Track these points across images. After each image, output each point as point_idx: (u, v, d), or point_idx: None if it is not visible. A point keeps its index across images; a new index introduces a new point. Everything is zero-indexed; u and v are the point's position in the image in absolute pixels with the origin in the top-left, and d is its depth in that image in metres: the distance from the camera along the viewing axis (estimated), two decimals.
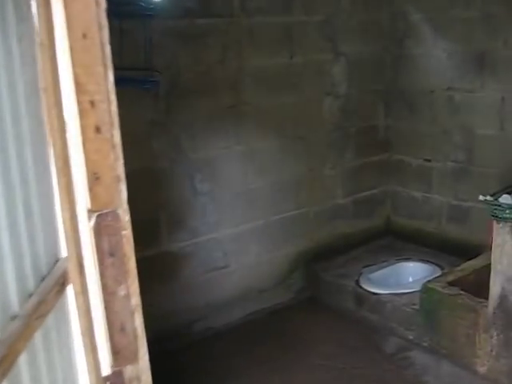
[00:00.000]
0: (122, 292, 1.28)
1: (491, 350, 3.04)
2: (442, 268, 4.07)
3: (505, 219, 2.79)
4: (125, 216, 1.31)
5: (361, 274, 4.07)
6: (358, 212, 4.59)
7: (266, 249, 4.09)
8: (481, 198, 2.86)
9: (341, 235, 4.50)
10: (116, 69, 3.06)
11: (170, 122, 3.45)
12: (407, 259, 4.29)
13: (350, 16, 4.18)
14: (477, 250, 3.89)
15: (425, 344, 3.42)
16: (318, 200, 4.33)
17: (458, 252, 4.16)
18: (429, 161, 4.35)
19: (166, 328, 3.56)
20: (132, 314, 1.30)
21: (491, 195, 2.83)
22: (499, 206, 2.78)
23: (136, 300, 1.32)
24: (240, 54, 3.67)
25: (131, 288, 1.32)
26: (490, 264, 3.47)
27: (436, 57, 4.16)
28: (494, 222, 2.86)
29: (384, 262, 4.26)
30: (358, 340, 3.58)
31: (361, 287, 3.90)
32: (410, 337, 3.52)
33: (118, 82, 3.15)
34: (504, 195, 2.82)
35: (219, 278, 3.87)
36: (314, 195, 4.29)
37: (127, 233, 1.32)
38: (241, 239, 3.94)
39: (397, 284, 3.97)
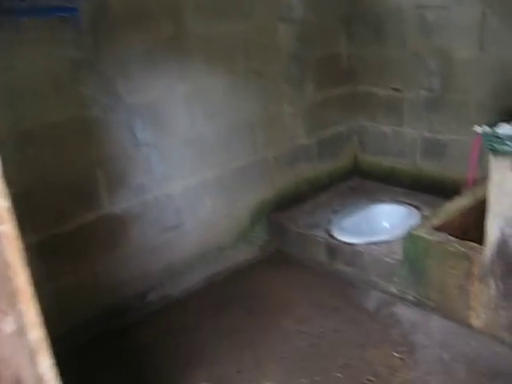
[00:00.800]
0: (8, 327, 0.79)
1: (488, 302, 2.68)
2: (418, 209, 3.71)
3: (504, 152, 2.37)
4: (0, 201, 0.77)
5: (330, 221, 3.66)
6: (323, 152, 4.15)
7: (223, 201, 3.63)
8: (477, 129, 2.42)
9: (305, 180, 4.08)
10: None
11: (99, 61, 2.86)
12: (380, 201, 3.89)
13: None
14: (455, 186, 3.59)
15: (410, 298, 3.05)
16: (278, 142, 3.85)
17: (435, 190, 3.86)
18: (399, 90, 3.89)
19: (115, 301, 3.16)
20: (33, 355, 0.82)
21: (489, 126, 2.39)
22: (498, 137, 2.35)
23: (37, 333, 0.83)
24: None
25: (26, 317, 0.81)
26: (476, 205, 3.10)
27: None
28: (491, 157, 2.44)
29: (354, 205, 3.84)
30: (335, 298, 3.18)
31: (332, 237, 3.49)
32: (393, 290, 3.14)
33: (28, 12, 2.57)
34: (503, 125, 2.39)
35: (173, 239, 3.41)
36: (273, 137, 3.81)
37: (8, 229, 0.79)
38: (194, 193, 3.45)
39: (372, 231, 3.56)
